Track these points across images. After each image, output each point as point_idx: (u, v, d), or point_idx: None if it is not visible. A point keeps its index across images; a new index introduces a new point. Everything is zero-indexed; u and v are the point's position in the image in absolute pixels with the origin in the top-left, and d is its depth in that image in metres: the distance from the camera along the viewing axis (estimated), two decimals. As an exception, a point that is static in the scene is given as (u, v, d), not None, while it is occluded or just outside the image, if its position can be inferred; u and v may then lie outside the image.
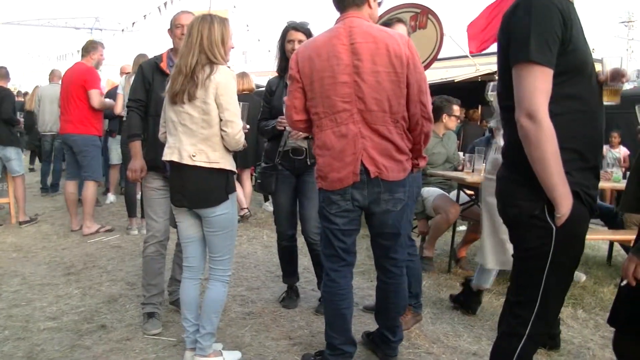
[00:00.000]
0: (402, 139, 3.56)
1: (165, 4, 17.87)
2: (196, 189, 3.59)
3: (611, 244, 7.54)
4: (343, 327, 3.75)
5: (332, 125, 3.45)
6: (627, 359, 2.66)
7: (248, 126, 3.82)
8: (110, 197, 10.14)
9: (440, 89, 9.26)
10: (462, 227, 7.92)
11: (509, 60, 2.51)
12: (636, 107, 3.02)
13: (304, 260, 5.84)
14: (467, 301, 5.10)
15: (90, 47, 8.02)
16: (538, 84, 2.39)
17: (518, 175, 2.59)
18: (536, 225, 2.54)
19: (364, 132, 3.46)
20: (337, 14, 3.57)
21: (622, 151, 11.06)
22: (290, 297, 5.14)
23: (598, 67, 2.66)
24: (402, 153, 3.58)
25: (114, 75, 14.37)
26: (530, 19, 2.40)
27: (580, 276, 6.15)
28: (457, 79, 12.56)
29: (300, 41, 4.67)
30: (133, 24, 21.32)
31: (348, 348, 3.76)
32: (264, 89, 5.23)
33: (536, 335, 2.67)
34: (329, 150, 3.46)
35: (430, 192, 6.60)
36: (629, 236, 5.83)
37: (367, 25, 3.50)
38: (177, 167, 3.60)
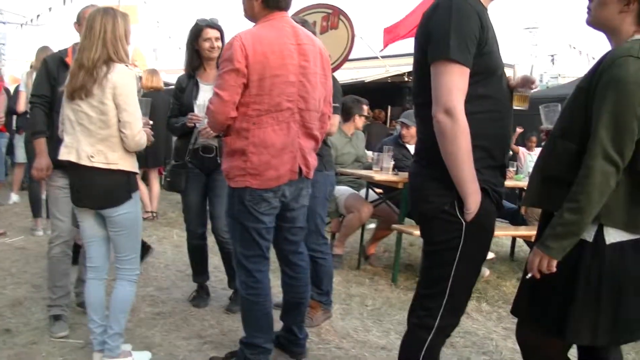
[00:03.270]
0: (320, 137, 3.74)
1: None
2: (96, 189, 3.52)
3: (513, 239, 7.82)
4: (269, 326, 3.76)
5: (273, 122, 3.41)
6: (528, 347, 2.76)
7: (151, 122, 3.79)
8: (14, 197, 9.77)
9: (351, 89, 9.36)
10: (371, 225, 8.04)
11: (424, 58, 2.57)
12: (540, 108, 3.14)
13: (215, 259, 5.81)
14: None
15: None
16: (456, 82, 2.46)
17: (430, 171, 2.67)
18: (447, 220, 2.62)
19: (299, 131, 3.53)
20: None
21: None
22: (201, 296, 5.12)
23: (507, 71, 2.76)
24: (317, 150, 3.77)
25: (17, 71, 13.92)
26: (450, 19, 2.46)
27: (484, 271, 6.32)
28: (367, 80, 12.73)
29: (216, 38, 4.68)
30: (38, 16, 20.52)
31: (269, 345, 3.78)
32: (173, 86, 5.19)
33: (445, 327, 2.75)
34: (268, 147, 3.42)
35: (342, 191, 6.67)
36: (531, 232, 6.04)
37: (301, 27, 3.64)
38: (76, 168, 3.52)
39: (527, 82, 2.89)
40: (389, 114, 14.19)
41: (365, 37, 13.56)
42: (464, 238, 2.62)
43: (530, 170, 7.08)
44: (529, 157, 11.02)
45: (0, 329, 4.33)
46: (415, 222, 6.60)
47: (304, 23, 4.46)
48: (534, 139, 11.34)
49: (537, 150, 11.09)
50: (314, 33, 4.38)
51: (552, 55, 49.39)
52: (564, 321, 2.47)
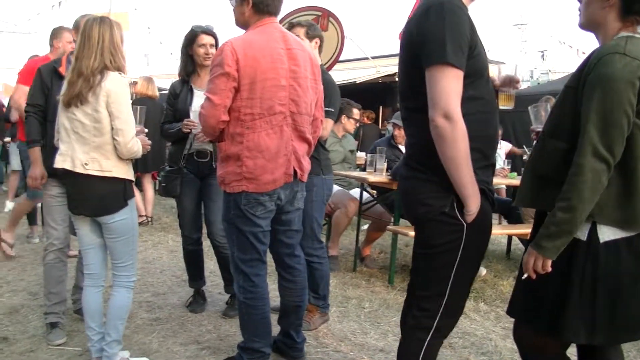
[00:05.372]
0: (313, 141, 3.78)
1: (59, 3, 17.27)
2: (92, 197, 3.54)
3: (509, 238, 7.82)
4: (267, 330, 3.77)
5: (267, 127, 3.44)
6: (526, 347, 2.77)
7: (146, 130, 3.81)
8: (9, 204, 9.72)
9: (342, 91, 9.35)
10: (365, 226, 8.05)
11: (416, 62, 2.57)
12: (529, 108, 3.15)
13: (210, 264, 5.83)
14: None
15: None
16: (453, 86, 2.47)
17: (426, 174, 2.66)
18: (446, 222, 2.63)
19: (292, 134, 3.56)
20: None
21: (504, 146, 10.33)
22: (197, 302, 5.12)
23: (493, 68, 2.79)
24: (310, 153, 3.80)
25: (10, 79, 13.84)
26: (444, 23, 2.46)
27: (480, 270, 6.34)
28: (358, 81, 12.74)
29: (211, 45, 4.70)
30: (29, 19, 20.53)
31: (268, 349, 3.78)
32: (166, 91, 5.19)
33: (443, 327, 2.77)
34: (262, 152, 3.44)
35: (330, 189, 6.68)
36: (527, 230, 6.06)
37: (290, 33, 3.73)
38: (71, 175, 3.54)
39: (511, 81, 2.94)
40: (380, 114, 14.21)
41: (355, 38, 13.58)
42: (465, 239, 2.64)
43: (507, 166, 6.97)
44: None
45: (-3, 337, 4.33)
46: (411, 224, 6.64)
47: (310, 26, 4.54)
48: (499, 132, 10.77)
49: (502, 142, 10.61)
50: (321, 37, 4.46)
51: (542, 51, 49.57)
52: (560, 320, 2.48)
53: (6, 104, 9.62)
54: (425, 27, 2.55)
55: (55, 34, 6.04)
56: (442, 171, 2.55)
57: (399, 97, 2.87)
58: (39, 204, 7.24)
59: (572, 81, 2.51)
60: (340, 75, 13.50)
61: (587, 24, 2.58)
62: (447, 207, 2.62)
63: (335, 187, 6.76)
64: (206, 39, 4.71)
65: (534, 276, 2.51)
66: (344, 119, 6.82)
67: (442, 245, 2.67)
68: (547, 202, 2.47)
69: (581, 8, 2.58)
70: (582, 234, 2.44)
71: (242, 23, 3.61)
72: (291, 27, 4.46)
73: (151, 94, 8.68)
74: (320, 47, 4.63)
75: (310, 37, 4.53)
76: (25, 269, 6.23)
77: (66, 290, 4.50)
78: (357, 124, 7.11)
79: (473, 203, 2.57)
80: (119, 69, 3.53)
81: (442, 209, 2.62)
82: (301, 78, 3.56)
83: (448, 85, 2.47)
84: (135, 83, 9.28)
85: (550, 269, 2.46)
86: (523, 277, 2.58)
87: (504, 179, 6.93)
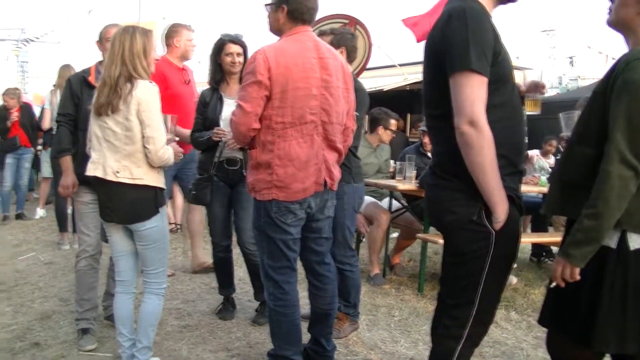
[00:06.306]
0: (343, 150, 3.77)
1: (89, 11, 17.51)
2: (123, 204, 3.58)
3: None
4: (297, 338, 3.77)
5: (298, 135, 3.45)
6: (559, 357, 2.75)
7: (177, 138, 3.83)
8: (40, 211, 9.87)
9: (370, 98, 9.34)
10: (395, 234, 8.02)
11: (441, 69, 2.56)
12: (560, 115, 3.13)
13: (240, 271, 5.84)
14: None
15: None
16: (478, 92, 2.46)
17: (453, 182, 2.65)
18: (474, 230, 2.62)
19: (323, 144, 3.56)
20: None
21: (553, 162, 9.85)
22: (227, 309, 5.13)
23: (519, 75, 2.78)
24: (340, 162, 3.80)
25: (42, 88, 14.00)
26: (467, 30, 2.46)
27: (511, 279, 6.28)
28: (385, 88, 12.71)
29: (238, 54, 4.73)
30: (52, 30, 20.90)
31: (298, 357, 3.77)
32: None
33: (474, 335, 2.75)
34: (293, 160, 3.45)
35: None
36: (557, 238, 5.99)
37: (323, 42, 3.71)
38: (103, 183, 3.57)
39: (536, 87, 2.93)
40: (408, 122, 14.16)
41: (383, 46, 13.57)
42: (493, 247, 2.61)
43: (537, 174, 6.97)
44: (540, 162, 10.11)
45: (29, 342, 4.38)
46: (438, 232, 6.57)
47: (336, 35, 4.54)
48: (554, 143, 10.58)
49: (552, 158, 10.32)
50: (347, 46, 4.46)
51: (571, 57, 49.22)
52: (590, 330, 2.45)
53: (38, 113, 9.74)
54: (448, 34, 2.55)
55: (172, 32, 6.03)
56: (469, 179, 2.53)
57: (423, 105, 2.86)
58: (70, 211, 7.32)
59: (600, 87, 2.49)
60: (368, 82, 13.44)
61: (618, 23, 2.56)
62: (474, 214, 2.60)
63: (368, 199, 6.72)
64: (233, 48, 4.73)
65: (562, 284, 2.50)
66: (380, 130, 6.72)
67: (470, 253, 2.66)
68: (575, 210, 2.45)
69: (613, 7, 2.55)
70: (612, 242, 2.42)
71: (276, 29, 3.63)
72: (319, 35, 4.47)
73: None
74: (349, 57, 4.62)
75: (335, 46, 4.53)
76: (56, 275, 6.30)
77: (97, 296, 4.54)
78: (393, 135, 7.05)
79: (501, 210, 2.56)
80: (141, 76, 3.56)
81: (470, 216, 2.61)
82: (333, 87, 3.55)
83: (472, 92, 2.46)
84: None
85: (578, 277, 2.45)
86: (551, 286, 2.57)
87: (535, 187, 6.86)
